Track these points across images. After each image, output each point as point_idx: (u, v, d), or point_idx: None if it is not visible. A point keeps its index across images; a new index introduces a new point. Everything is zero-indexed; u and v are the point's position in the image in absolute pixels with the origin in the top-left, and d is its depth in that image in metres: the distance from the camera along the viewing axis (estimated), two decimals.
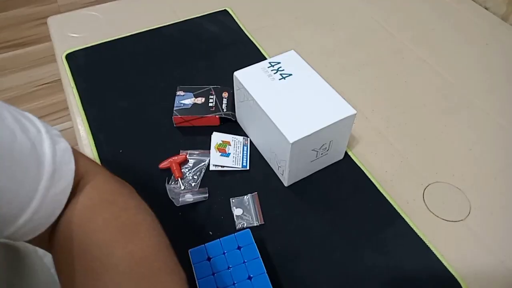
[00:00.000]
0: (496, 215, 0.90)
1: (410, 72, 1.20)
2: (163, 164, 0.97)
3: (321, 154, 0.93)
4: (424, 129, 1.07)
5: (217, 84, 1.12)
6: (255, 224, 0.86)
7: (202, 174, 0.96)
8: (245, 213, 0.89)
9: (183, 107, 1.06)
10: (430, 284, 0.79)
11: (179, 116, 1.04)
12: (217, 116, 1.05)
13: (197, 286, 0.72)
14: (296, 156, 0.87)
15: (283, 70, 0.97)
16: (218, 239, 0.77)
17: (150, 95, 1.12)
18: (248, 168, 0.98)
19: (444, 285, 0.80)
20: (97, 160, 0.97)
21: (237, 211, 0.89)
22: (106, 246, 0.55)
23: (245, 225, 0.86)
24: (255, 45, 1.27)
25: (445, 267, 0.82)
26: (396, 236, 0.85)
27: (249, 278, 0.72)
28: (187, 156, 0.99)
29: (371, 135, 1.05)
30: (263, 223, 0.87)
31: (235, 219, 0.87)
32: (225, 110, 1.06)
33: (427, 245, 0.84)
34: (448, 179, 0.96)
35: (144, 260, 0.55)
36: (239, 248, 0.76)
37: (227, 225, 0.86)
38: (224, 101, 1.08)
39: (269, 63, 0.98)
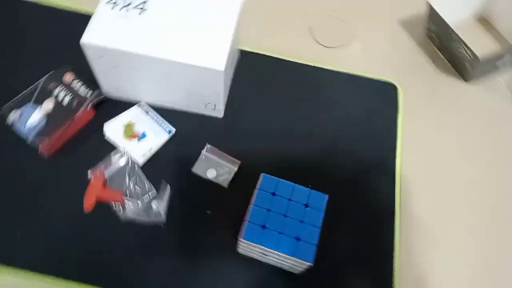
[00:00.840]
0: None
1: None
2: (88, 205, 0.75)
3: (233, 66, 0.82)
4: None
5: (42, 73, 0.83)
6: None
7: (138, 175, 0.78)
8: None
9: (38, 128, 0.76)
10: None
11: (46, 139, 0.75)
12: (89, 108, 0.79)
13: (248, 209, 0.67)
14: (225, 81, 0.76)
15: (130, 2, 0.74)
16: (293, 183, 0.69)
17: None
18: (174, 130, 0.84)
19: None
20: None
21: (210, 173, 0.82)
22: None
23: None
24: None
25: None
26: None
27: (297, 239, 0.65)
28: (105, 173, 0.76)
29: None
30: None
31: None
32: (89, 94, 0.80)
33: None
34: None
35: None
36: (306, 205, 0.68)
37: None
38: (77, 84, 0.81)
39: (107, 3, 0.73)
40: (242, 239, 0.65)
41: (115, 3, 0.76)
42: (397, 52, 1.07)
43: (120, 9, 0.75)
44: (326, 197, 0.69)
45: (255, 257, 0.74)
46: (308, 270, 0.70)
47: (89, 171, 0.79)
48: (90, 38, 0.72)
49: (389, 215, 0.82)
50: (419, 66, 1.05)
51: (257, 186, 0.69)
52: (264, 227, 0.65)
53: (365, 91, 0.97)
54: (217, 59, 0.73)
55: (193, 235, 0.76)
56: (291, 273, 0.74)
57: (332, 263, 0.75)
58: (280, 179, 0.70)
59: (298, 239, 0.65)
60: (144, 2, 0.77)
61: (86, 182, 0.78)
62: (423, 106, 0.99)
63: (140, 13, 0.76)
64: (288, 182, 0.70)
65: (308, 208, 0.68)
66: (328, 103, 0.94)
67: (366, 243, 0.79)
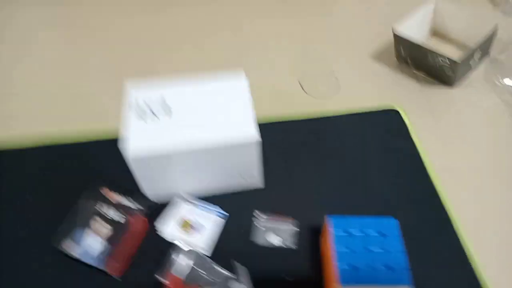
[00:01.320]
0: None
1: None
2: None
3: None
4: None
5: (75, 196, 0.87)
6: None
7: (210, 266, 0.81)
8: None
9: (102, 252, 0.80)
10: None
11: (113, 261, 0.78)
12: (144, 218, 0.84)
13: (334, 256, 0.69)
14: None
15: (152, 107, 0.83)
16: (360, 218, 0.73)
17: None
18: (226, 213, 0.89)
19: None
20: None
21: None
22: None
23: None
24: None
25: None
26: None
27: (389, 268, 0.68)
28: (177, 274, 0.79)
29: None
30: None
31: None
32: (138, 207, 0.85)
33: None
34: None
35: None
36: (381, 234, 0.71)
37: None
38: (123, 202, 0.86)
39: (131, 111, 0.82)
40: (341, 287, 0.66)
41: (143, 115, 0.83)
42: (379, 82, 1.19)
43: (150, 119, 0.82)
44: (396, 222, 0.73)
45: None
46: None
47: (161, 277, 0.79)
48: (134, 151, 0.78)
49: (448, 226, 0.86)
50: (404, 88, 1.17)
51: (329, 231, 0.72)
52: (355, 267, 0.67)
53: (372, 123, 1.06)
54: (249, 133, 0.80)
55: None
56: None
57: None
58: (347, 216, 0.73)
59: (390, 268, 0.67)
60: (170, 108, 0.84)
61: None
62: (426, 120, 1.08)
63: (169, 118, 0.83)
64: (355, 217, 0.73)
65: (384, 236, 0.71)
66: (344, 144, 1.02)
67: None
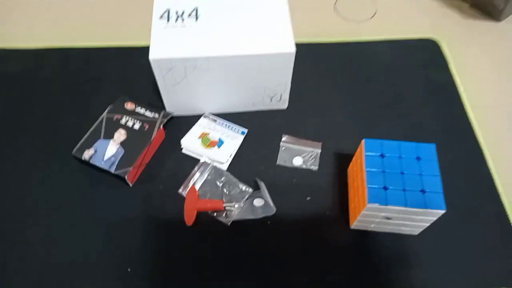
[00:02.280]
0: None
1: None
2: (190, 219, 0.73)
3: None
4: None
5: (100, 109, 0.83)
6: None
7: (229, 179, 0.78)
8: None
9: (119, 159, 0.76)
10: None
11: (130, 168, 0.74)
12: (161, 128, 0.79)
13: (364, 175, 0.66)
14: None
15: (182, 13, 0.76)
16: (397, 141, 0.69)
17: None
18: (246, 130, 0.85)
19: None
20: None
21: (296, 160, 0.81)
22: None
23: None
24: None
25: None
26: None
27: (423, 191, 0.64)
28: (197, 189, 0.77)
29: None
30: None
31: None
32: (156, 115, 0.80)
33: None
34: None
35: None
36: (418, 158, 0.67)
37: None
38: (141, 110, 0.81)
39: (160, 18, 0.75)
40: (367, 205, 0.63)
41: (168, 16, 0.76)
42: (419, 10, 1.09)
43: (175, 20, 0.76)
44: (434, 146, 0.68)
45: (370, 229, 0.73)
46: (424, 230, 0.69)
47: (181, 189, 0.77)
48: (157, 53, 0.72)
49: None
50: (447, 18, 1.07)
51: (363, 151, 0.68)
52: (385, 188, 0.64)
53: (410, 52, 0.99)
54: (285, 43, 0.73)
55: (302, 221, 0.74)
56: (409, 235, 0.72)
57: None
58: (384, 140, 0.69)
59: (423, 191, 0.64)
60: (196, 9, 0.77)
61: (180, 199, 0.76)
62: (467, 56, 1.00)
63: (196, 20, 0.76)
64: (392, 140, 0.69)
65: (421, 160, 0.67)
66: (381, 73, 0.95)
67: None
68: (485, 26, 1.05)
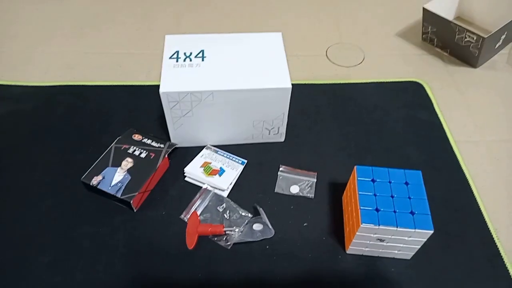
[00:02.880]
0: None
1: None
2: (192, 242, 0.77)
3: None
4: None
5: (109, 143, 0.89)
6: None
7: (229, 205, 0.83)
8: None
9: (126, 185, 0.80)
10: None
11: (136, 194, 0.78)
12: (166, 157, 0.86)
13: (357, 199, 0.71)
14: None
15: (190, 54, 0.85)
16: (386, 168, 0.75)
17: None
18: (246, 161, 0.90)
19: None
20: None
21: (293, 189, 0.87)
22: None
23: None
24: None
25: None
26: None
27: (412, 213, 0.69)
28: (199, 214, 0.81)
29: None
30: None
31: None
32: (162, 145, 0.86)
33: None
34: None
35: None
36: (406, 183, 0.72)
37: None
38: (147, 141, 0.87)
39: (169, 58, 0.83)
40: (361, 226, 0.67)
41: (177, 56, 0.85)
42: (403, 58, 1.20)
43: (184, 60, 0.84)
44: (420, 172, 0.74)
45: (364, 253, 0.76)
46: (417, 254, 0.73)
47: (183, 214, 0.81)
48: (166, 87, 0.79)
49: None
50: (428, 64, 1.18)
51: (355, 177, 0.74)
52: (377, 210, 0.69)
53: (396, 93, 1.08)
54: (282, 80, 0.82)
55: (300, 246, 0.77)
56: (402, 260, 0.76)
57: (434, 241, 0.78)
58: (374, 167, 0.75)
59: (412, 213, 0.68)
60: (202, 51, 0.86)
61: (182, 223, 0.79)
62: (448, 97, 1.09)
63: (202, 60, 0.85)
64: (381, 167, 0.75)
65: (409, 185, 0.72)
66: (369, 111, 1.03)
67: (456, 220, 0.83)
68: (463, 71, 1.16)
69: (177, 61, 0.84)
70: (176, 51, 0.86)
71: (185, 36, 0.90)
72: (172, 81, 0.80)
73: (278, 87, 0.81)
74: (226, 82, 0.81)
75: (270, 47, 0.88)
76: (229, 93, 0.80)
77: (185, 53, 0.86)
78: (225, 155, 0.90)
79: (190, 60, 0.84)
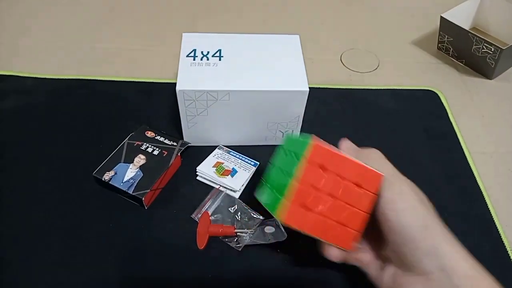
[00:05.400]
0: None
1: None
2: (203, 242, 0.77)
3: None
4: None
5: (121, 139, 0.89)
6: None
7: (241, 207, 0.82)
8: None
9: (138, 182, 0.80)
10: None
11: (148, 191, 0.79)
12: (179, 155, 0.85)
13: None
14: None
15: (207, 52, 0.85)
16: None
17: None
18: (258, 163, 0.90)
19: None
20: None
21: None
22: None
23: None
24: None
25: None
26: None
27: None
28: (210, 214, 0.80)
29: None
30: None
31: None
32: (175, 143, 0.87)
33: None
34: None
35: None
36: None
37: None
38: (160, 138, 0.88)
39: (186, 56, 0.83)
40: None
41: (194, 55, 0.85)
42: (418, 67, 1.20)
43: (201, 59, 0.84)
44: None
45: None
46: None
47: (194, 213, 0.80)
48: (183, 85, 0.79)
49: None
50: (443, 74, 1.18)
51: None
52: None
53: (411, 100, 1.07)
54: (300, 83, 0.82)
55: (311, 250, 0.76)
56: None
57: None
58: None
59: None
60: (219, 50, 0.86)
61: (193, 223, 0.79)
62: (462, 107, 1.09)
63: (219, 59, 0.84)
64: None
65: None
66: (382, 118, 1.02)
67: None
68: (477, 82, 1.15)
69: (194, 59, 0.84)
70: (193, 50, 0.86)
71: (202, 34, 0.90)
72: (189, 80, 0.80)
73: (295, 89, 0.80)
74: (243, 83, 0.80)
75: (287, 49, 0.88)
76: (245, 93, 0.80)
77: (202, 52, 0.85)
78: (237, 155, 0.90)
79: (207, 59, 0.84)
